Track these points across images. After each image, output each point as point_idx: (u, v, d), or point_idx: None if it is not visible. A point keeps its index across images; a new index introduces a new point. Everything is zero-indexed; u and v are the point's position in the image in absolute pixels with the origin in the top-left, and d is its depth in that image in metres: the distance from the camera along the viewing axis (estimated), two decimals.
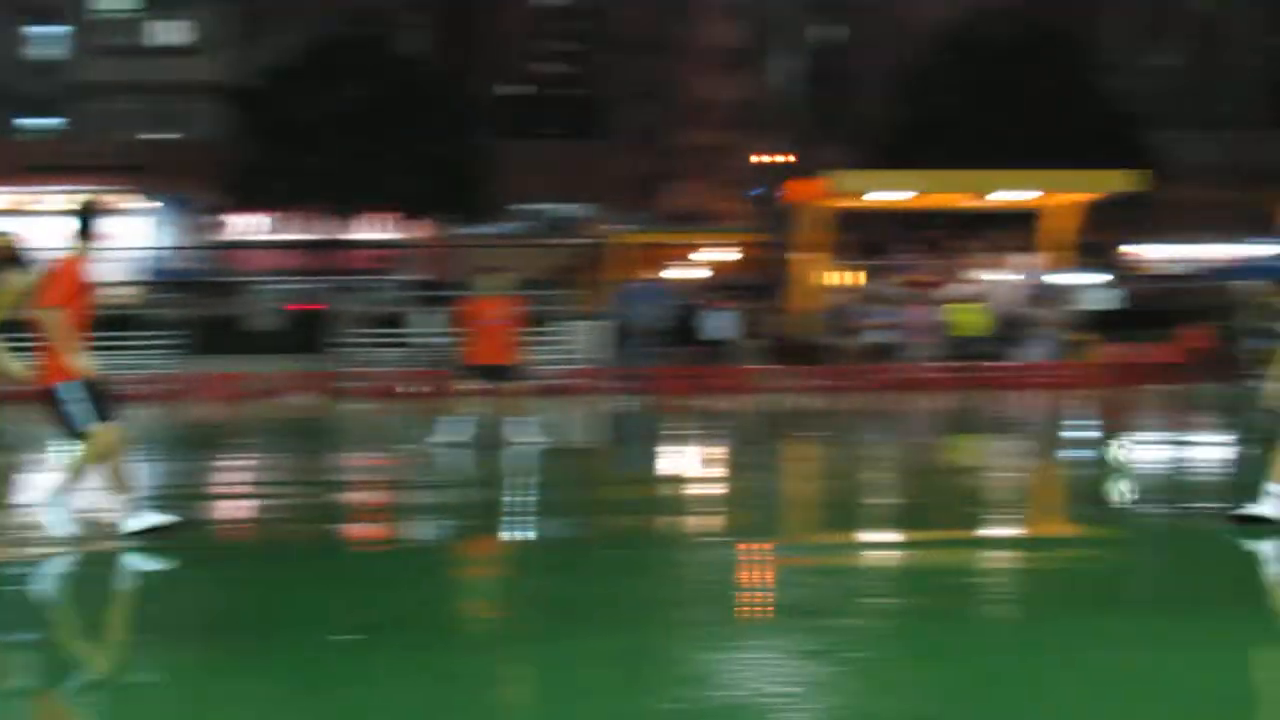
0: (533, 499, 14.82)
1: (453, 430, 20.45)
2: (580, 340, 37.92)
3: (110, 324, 41.25)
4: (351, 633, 8.45)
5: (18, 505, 13.36)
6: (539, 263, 54.04)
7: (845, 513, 14.14)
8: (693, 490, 16.48)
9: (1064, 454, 16.93)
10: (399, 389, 36.02)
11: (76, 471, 11.30)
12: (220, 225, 59.94)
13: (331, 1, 61.26)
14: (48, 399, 11.14)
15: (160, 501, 15.24)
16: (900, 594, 10.05)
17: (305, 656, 7.99)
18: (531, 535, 12.70)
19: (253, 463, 20.50)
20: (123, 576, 10.74)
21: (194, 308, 39.93)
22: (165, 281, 51.14)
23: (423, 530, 13.56)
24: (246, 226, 59.90)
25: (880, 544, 12.35)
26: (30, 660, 8.06)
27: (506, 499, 14.82)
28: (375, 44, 53.62)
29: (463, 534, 13.07)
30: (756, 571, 10.96)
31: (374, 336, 38.66)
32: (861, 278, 41.39)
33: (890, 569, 11.12)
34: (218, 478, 18.17)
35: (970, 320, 36.96)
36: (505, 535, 12.63)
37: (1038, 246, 40.17)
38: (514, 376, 20.85)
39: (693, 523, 13.71)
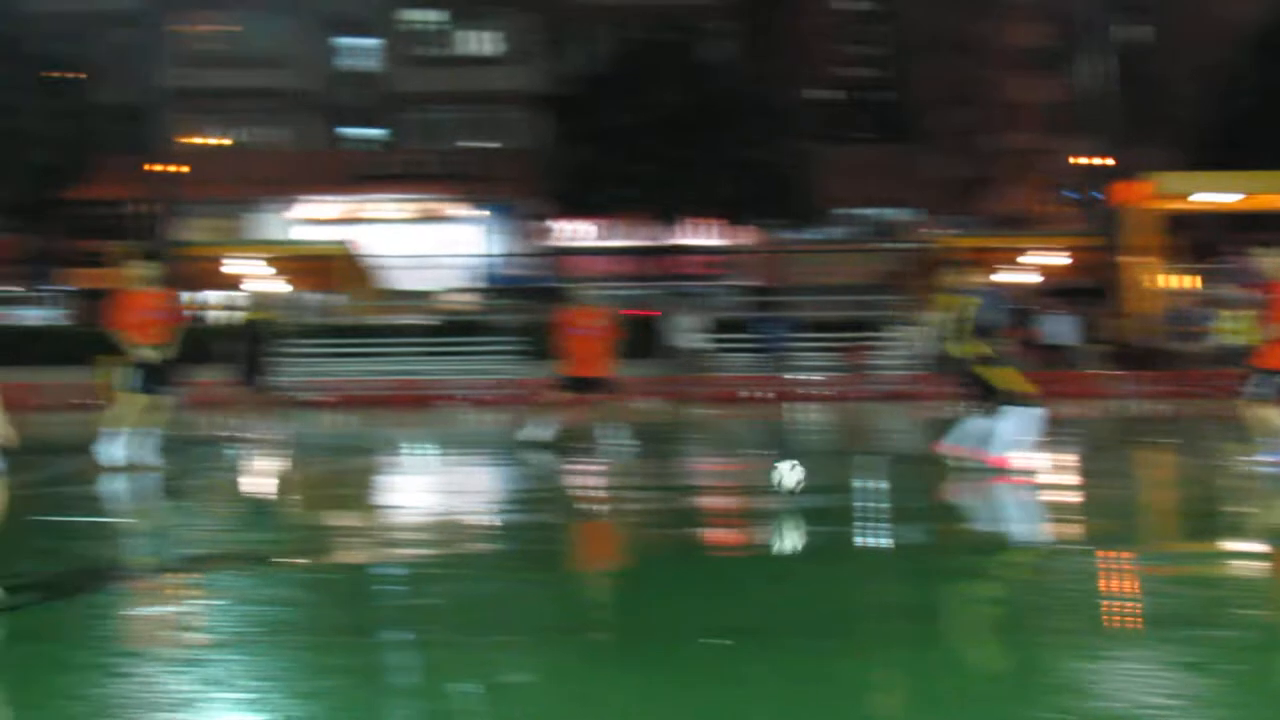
0: (883, 505, 14.76)
1: (536, 430, 21.35)
2: (914, 346, 37.74)
3: (453, 330, 42.47)
4: (720, 636, 8.52)
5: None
6: (864, 268, 53.88)
7: (1205, 521, 13.80)
8: (1049, 497, 16.22)
9: None
10: (743, 394, 36.41)
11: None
12: (547, 232, 60.81)
13: (637, 9, 61.78)
14: None
15: (519, 505, 15.61)
16: (1273, 606, 9.79)
17: (673, 659, 8.08)
18: (886, 541, 12.66)
19: (603, 466, 20.75)
20: (491, 582, 10.94)
21: (531, 313, 40.64)
22: (500, 288, 52.04)
23: (779, 534, 13.59)
24: (572, 233, 60.71)
25: (1246, 554, 12.02)
26: (406, 659, 8.27)
27: (857, 504, 14.78)
28: (683, 50, 53.89)
29: (821, 538, 13.07)
30: (1121, 580, 10.78)
31: (714, 341, 39.02)
32: (1196, 281, 40.52)
33: (1259, 579, 10.84)
34: (571, 481, 18.43)
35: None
36: (860, 541, 12.60)
37: None
38: (608, 389, 21.27)
39: (1052, 530, 13.52)
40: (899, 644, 8.53)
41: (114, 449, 18.75)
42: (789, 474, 13.83)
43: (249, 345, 24.01)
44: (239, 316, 24.47)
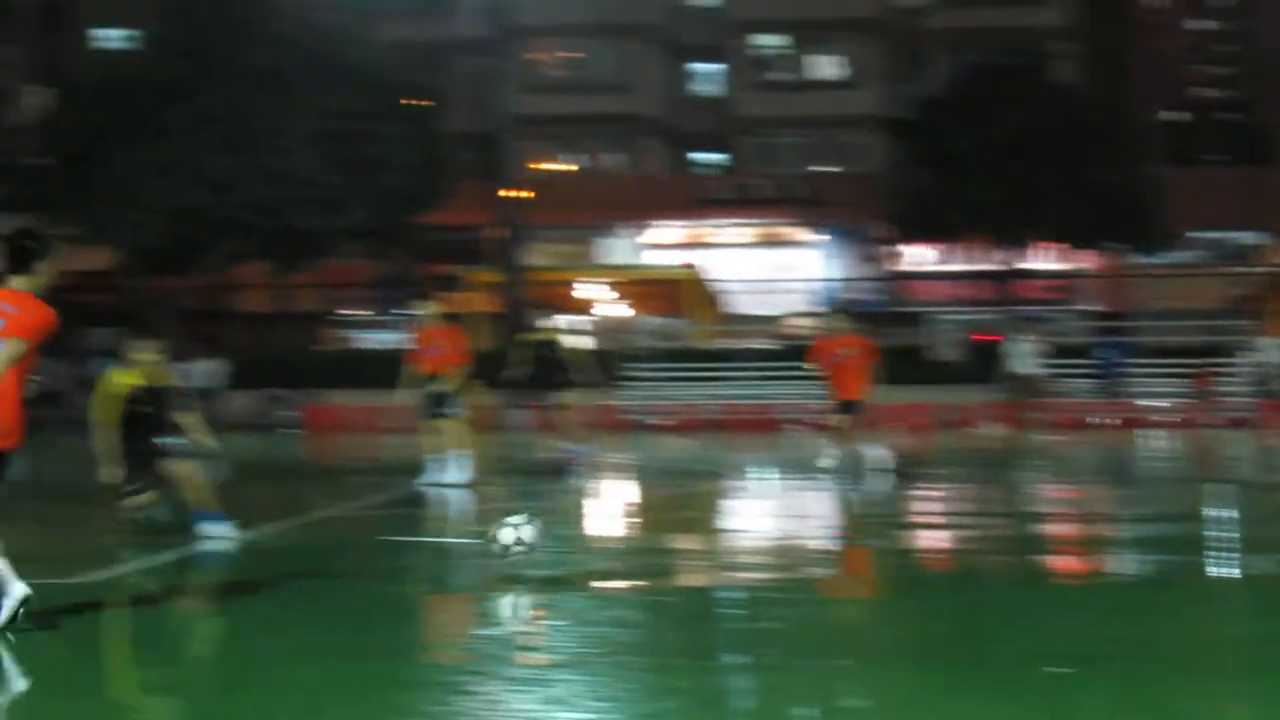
0: (1233, 534, 14.37)
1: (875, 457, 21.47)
2: (1265, 371, 36.77)
3: (793, 354, 42.50)
4: (1062, 664, 8.38)
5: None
6: (1215, 292, 52.58)
7: None
8: None
9: None
10: (1088, 420, 35.89)
11: None
12: (889, 256, 60.52)
13: (979, 32, 61.22)
14: None
15: (854, 529, 15.58)
16: None
17: (1013, 687, 7.97)
18: (1236, 571, 12.32)
19: (947, 492, 20.63)
20: (830, 606, 10.93)
21: (875, 338, 40.54)
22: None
23: (1124, 563, 13.35)
24: (916, 257, 60.32)
25: None
26: (745, 683, 8.28)
27: (1207, 533, 14.42)
28: (1028, 72, 53.13)
29: (1167, 567, 12.78)
30: None
31: (1055, 366, 38.45)
32: None
33: None
34: (915, 506, 18.35)
35: None
36: (1209, 570, 12.29)
37: None
38: (859, 411, 21.62)
39: None
40: (1245, 676, 8.30)
41: (451, 472, 19.28)
42: (514, 531, 11.65)
43: (543, 368, 24.25)
44: (530, 339, 24.63)
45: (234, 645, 9.60)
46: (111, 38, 67.72)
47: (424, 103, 49.69)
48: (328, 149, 44.27)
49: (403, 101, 47.97)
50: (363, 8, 53.83)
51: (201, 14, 48.69)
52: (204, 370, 41.43)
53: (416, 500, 18.25)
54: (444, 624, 10.35)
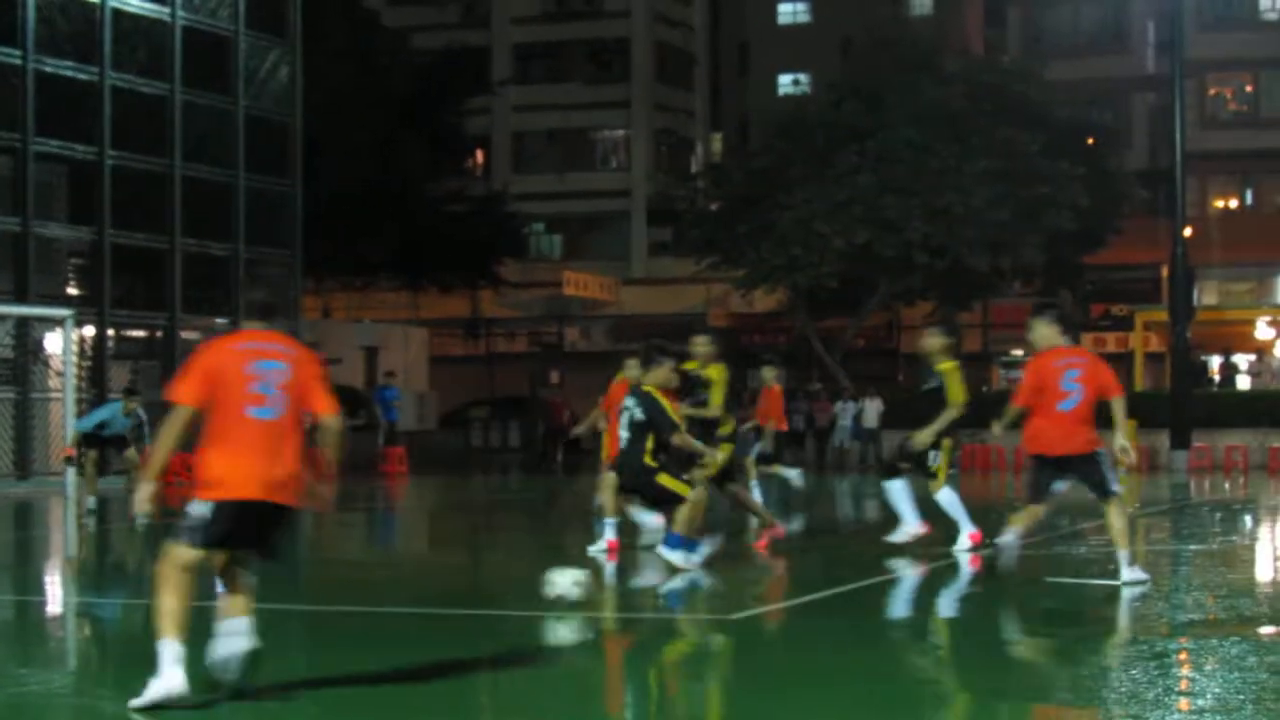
0: None
1: None
2: None
3: None
4: None
5: None
6: None
7: None
8: None
9: None
10: None
11: None
12: None
13: None
14: None
15: None
16: None
17: None
18: None
19: None
20: None
21: None
22: None
23: None
24: None
25: None
26: None
27: None
28: None
29: None
30: None
31: None
32: None
33: None
34: None
35: None
36: None
37: None
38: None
39: None
40: None
41: None
42: (564, 584, 11.52)
43: None
44: None
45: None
46: (785, 83, 69.70)
47: (1095, 140, 49.39)
48: (997, 187, 44.32)
49: (1088, 141, 47.79)
50: (1038, 47, 53.86)
51: (877, 57, 49.76)
52: (872, 410, 42.04)
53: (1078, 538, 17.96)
54: (1100, 665, 10.15)
